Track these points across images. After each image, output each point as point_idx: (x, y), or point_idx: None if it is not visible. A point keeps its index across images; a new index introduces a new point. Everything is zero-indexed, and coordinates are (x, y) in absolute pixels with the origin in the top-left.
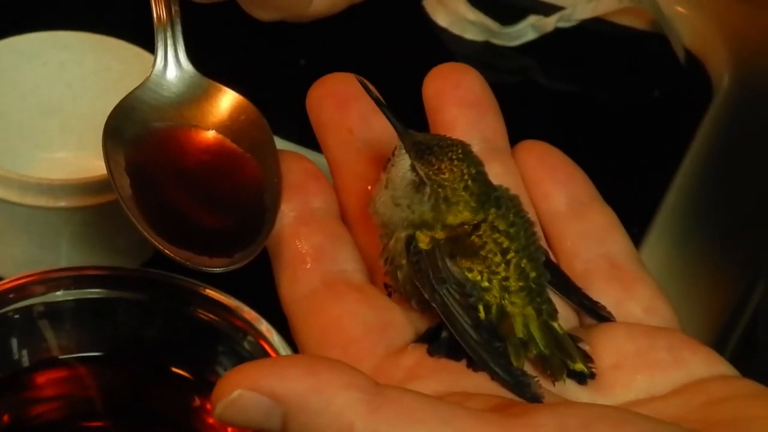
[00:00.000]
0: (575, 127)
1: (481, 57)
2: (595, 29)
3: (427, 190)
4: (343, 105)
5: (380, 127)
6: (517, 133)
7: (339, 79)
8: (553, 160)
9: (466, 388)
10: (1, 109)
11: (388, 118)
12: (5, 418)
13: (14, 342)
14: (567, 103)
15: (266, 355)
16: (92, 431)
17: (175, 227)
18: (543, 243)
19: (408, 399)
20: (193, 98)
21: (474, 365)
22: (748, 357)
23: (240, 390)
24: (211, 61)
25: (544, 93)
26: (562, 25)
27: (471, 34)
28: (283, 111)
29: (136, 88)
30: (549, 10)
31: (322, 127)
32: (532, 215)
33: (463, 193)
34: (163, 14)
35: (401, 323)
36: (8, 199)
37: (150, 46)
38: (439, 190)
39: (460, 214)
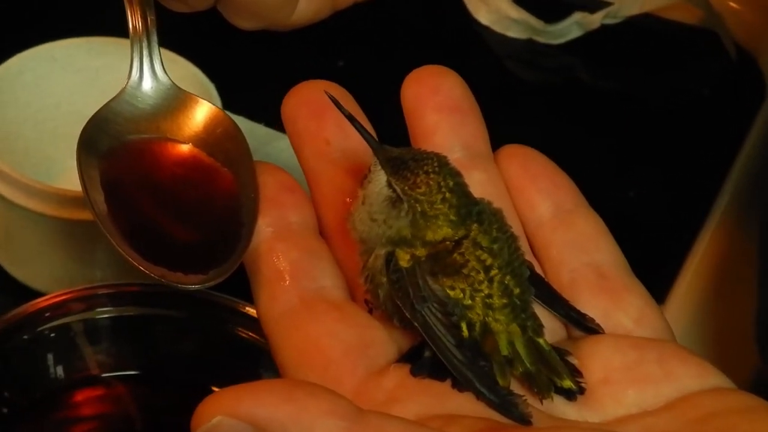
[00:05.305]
0: (621, 127)
1: (524, 55)
2: (642, 25)
3: (405, 206)
4: (319, 114)
5: (358, 137)
6: (560, 134)
7: (315, 87)
8: (536, 167)
9: (451, 409)
10: (36, 117)
11: (361, 134)
12: None
13: (51, 360)
14: (613, 103)
15: None
16: None
17: (150, 242)
18: (528, 255)
19: (390, 427)
20: (169, 110)
21: (459, 385)
22: None
23: (219, 416)
24: (250, 66)
25: (589, 92)
26: (609, 21)
27: (514, 32)
28: None
29: (111, 100)
30: (595, 6)
31: (297, 138)
32: (516, 224)
33: (441, 206)
34: (139, 25)
35: (383, 341)
36: (45, 213)
37: (183, 53)
38: (416, 205)
39: (440, 230)
